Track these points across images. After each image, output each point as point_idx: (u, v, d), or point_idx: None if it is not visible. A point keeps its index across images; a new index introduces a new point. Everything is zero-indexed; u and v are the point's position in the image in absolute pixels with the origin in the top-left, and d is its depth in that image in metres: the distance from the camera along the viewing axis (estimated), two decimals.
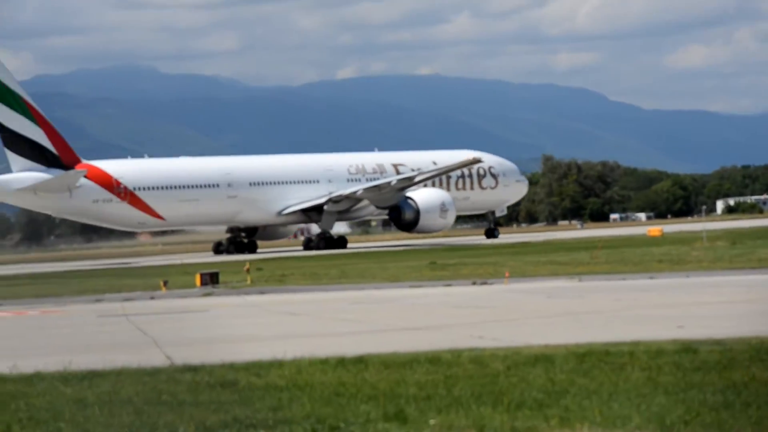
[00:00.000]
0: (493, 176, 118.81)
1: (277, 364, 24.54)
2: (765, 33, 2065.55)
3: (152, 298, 49.82)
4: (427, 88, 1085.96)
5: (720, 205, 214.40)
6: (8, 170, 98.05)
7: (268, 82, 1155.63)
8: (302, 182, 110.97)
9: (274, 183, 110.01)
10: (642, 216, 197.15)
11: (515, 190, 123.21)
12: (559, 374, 22.24)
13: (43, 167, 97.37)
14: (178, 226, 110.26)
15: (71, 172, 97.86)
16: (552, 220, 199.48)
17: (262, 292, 50.70)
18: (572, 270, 56.25)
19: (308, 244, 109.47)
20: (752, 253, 61.78)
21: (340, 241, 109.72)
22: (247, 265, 60.40)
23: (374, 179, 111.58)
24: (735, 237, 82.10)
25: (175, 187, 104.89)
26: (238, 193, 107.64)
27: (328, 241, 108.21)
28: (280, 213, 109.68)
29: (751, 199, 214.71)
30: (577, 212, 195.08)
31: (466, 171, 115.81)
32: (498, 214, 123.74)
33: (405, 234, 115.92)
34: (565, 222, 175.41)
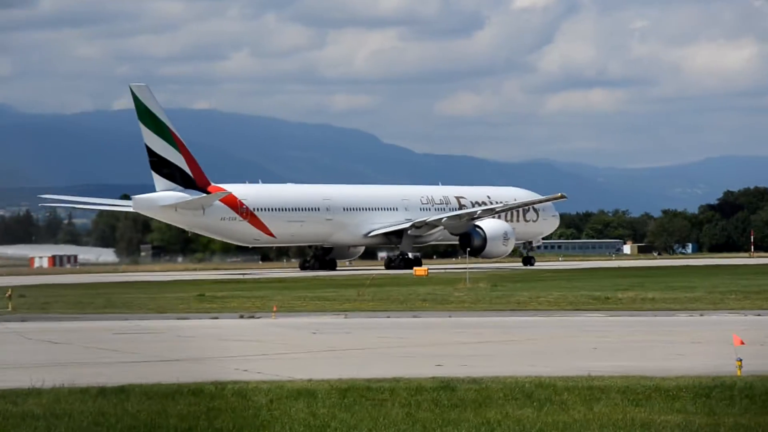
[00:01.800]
0: (535, 211, 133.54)
1: (35, 392, 24.12)
2: (531, 85, 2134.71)
3: None
4: (204, 123, 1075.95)
5: None
6: (153, 189, 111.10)
7: (42, 109, 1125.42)
8: (385, 209, 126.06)
9: (363, 209, 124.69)
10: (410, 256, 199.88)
11: (550, 224, 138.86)
12: (321, 408, 22.58)
13: (181, 188, 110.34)
14: (285, 243, 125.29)
15: (213, 194, 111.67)
16: None
17: (23, 319, 49.55)
18: (339, 306, 56.89)
19: (389, 264, 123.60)
20: (511, 296, 63.72)
21: (417, 261, 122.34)
22: (9, 292, 58.90)
23: (440, 209, 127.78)
24: (496, 279, 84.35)
25: (286, 210, 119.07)
26: (334, 217, 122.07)
27: (406, 261, 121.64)
28: (366, 235, 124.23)
29: None
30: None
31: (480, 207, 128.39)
32: (534, 244, 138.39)
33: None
34: None
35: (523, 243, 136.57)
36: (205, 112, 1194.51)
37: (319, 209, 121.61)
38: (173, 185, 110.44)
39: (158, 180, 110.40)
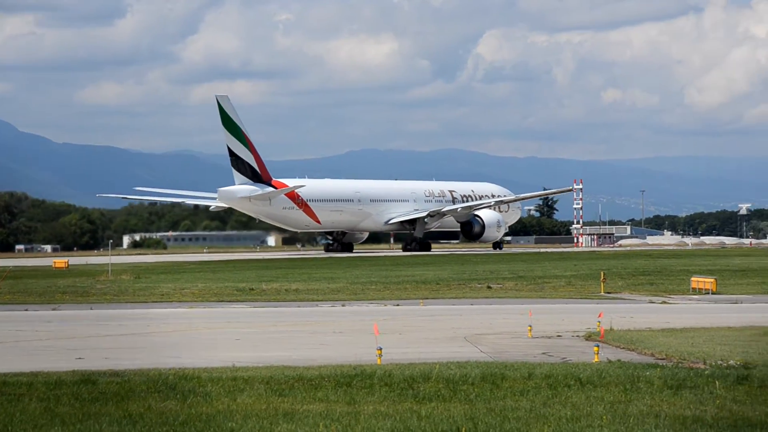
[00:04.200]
0: (502, 203, 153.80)
1: None
2: (175, 75, 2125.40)
3: None
4: None
5: (126, 239, 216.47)
6: (232, 183, 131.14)
7: None
8: (399, 201, 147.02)
9: (384, 200, 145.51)
10: (48, 248, 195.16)
11: (515, 215, 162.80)
12: None
13: (251, 182, 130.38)
14: (327, 228, 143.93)
15: (281, 189, 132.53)
16: None
17: None
18: None
19: (406, 247, 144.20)
20: (155, 288, 63.14)
21: (428, 245, 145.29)
22: None
23: (439, 200, 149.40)
24: (140, 271, 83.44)
25: (329, 200, 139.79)
26: (363, 207, 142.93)
27: (421, 244, 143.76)
28: (386, 223, 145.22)
29: (156, 235, 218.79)
30: None
31: (491, 199, 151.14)
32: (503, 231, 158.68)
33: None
34: None
35: None
36: None
37: (352, 200, 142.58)
38: (247, 180, 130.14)
39: (236, 175, 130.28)
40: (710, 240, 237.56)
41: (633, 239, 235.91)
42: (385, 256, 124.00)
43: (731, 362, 27.28)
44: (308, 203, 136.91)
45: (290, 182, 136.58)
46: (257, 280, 69.33)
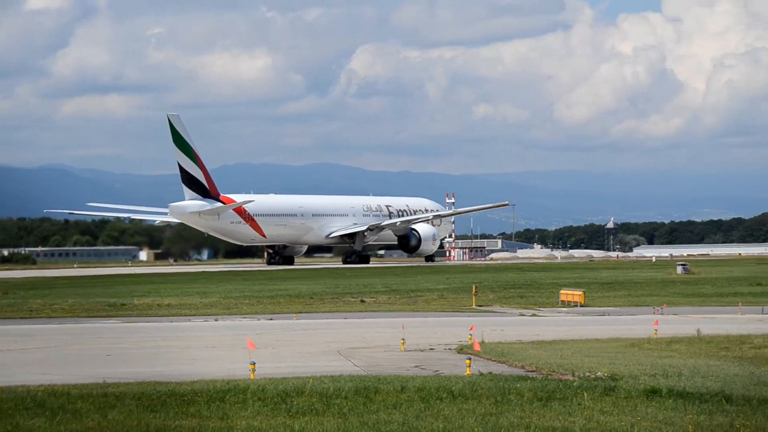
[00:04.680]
0: (439, 218, 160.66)
1: None
2: (45, 90, 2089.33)
3: None
4: None
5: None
6: (182, 198, 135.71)
7: None
8: (339, 215, 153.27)
9: (325, 215, 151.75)
10: None
11: (446, 228, 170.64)
12: None
13: (200, 197, 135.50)
14: (272, 242, 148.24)
15: (228, 204, 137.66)
16: None
17: None
18: None
19: (346, 260, 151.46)
20: (24, 303, 62.07)
21: (367, 258, 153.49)
22: None
23: (377, 215, 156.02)
24: (7, 287, 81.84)
25: (274, 215, 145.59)
26: (305, 222, 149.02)
27: (360, 257, 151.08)
28: (327, 236, 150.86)
29: (25, 250, 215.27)
30: None
31: (425, 213, 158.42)
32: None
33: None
34: None
35: None
36: None
37: (296, 215, 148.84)
38: (196, 195, 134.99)
39: (186, 191, 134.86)
40: (579, 253, 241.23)
41: (504, 253, 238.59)
42: (258, 271, 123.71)
43: (599, 374, 27.78)
44: (255, 218, 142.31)
45: (238, 198, 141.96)
46: (129, 295, 68.56)
